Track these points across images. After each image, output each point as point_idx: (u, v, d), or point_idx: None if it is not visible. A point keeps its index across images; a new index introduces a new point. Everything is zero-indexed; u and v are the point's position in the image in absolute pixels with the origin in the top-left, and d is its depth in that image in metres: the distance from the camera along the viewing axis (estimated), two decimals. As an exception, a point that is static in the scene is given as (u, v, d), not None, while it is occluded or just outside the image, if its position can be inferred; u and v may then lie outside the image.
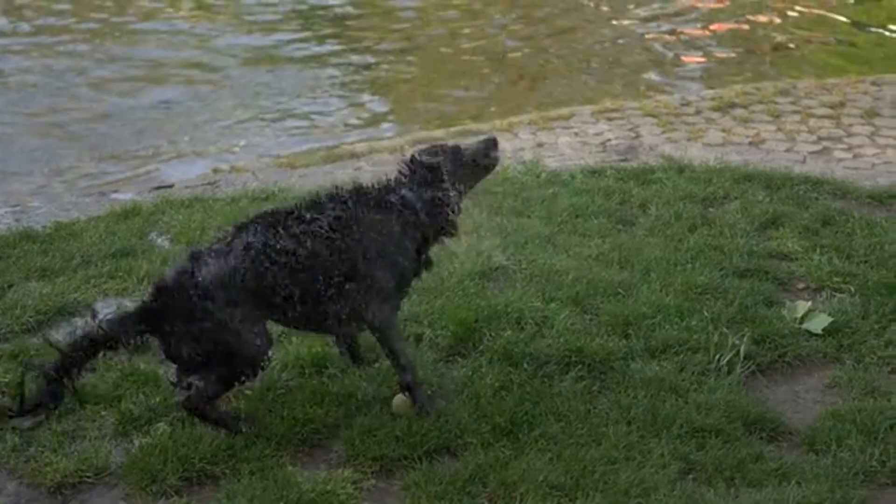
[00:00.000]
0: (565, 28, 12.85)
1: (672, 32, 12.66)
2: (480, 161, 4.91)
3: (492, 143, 4.95)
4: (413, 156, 4.83)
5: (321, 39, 12.36)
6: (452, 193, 4.74)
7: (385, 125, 10.15)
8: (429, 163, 4.76)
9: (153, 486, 4.33)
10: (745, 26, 12.84)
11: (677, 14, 13.36)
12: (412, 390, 4.74)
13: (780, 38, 12.46)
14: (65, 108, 10.15)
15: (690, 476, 4.46)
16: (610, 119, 9.16)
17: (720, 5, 13.66)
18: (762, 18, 13.08)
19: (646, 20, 13.17)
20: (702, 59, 11.90)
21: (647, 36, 12.56)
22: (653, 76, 11.30)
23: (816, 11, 13.41)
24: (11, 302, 5.66)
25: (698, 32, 12.68)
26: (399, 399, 4.78)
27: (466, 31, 12.77)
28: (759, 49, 12.12)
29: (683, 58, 11.90)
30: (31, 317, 5.52)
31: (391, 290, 4.68)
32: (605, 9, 13.73)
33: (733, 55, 11.97)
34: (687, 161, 7.76)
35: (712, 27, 12.82)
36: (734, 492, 4.36)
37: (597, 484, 4.32)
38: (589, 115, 9.27)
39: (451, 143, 5.06)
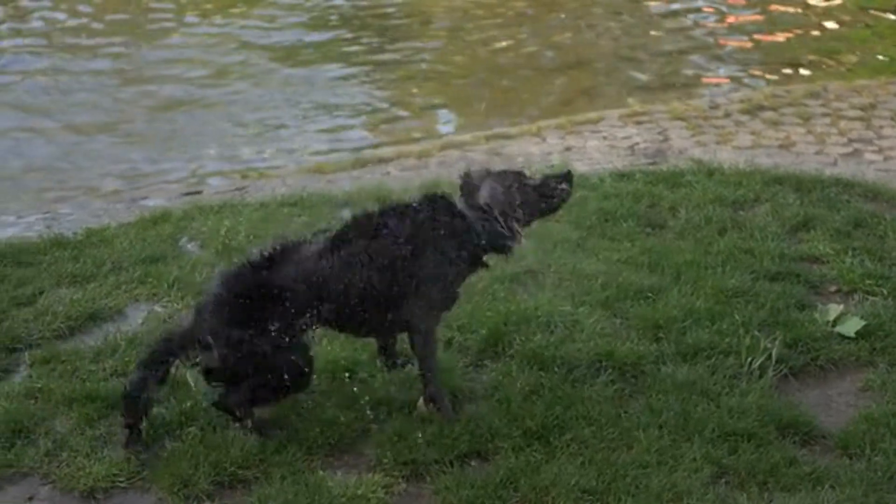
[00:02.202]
0: (624, 33, 12.59)
1: (750, 38, 12.41)
2: (546, 192, 4.88)
3: (564, 177, 4.93)
4: (471, 178, 4.84)
5: (370, 45, 12.10)
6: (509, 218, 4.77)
7: (422, 130, 10.00)
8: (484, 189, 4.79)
9: (185, 490, 4.36)
10: (817, 32, 12.62)
11: (752, 18, 13.07)
12: (437, 402, 4.76)
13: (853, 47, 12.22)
14: (94, 114, 10.17)
15: (723, 480, 4.44)
16: (638, 123, 9.11)
17: (795, 9, 13.41)
18: (833, 24, 12.84)
19: (715, 26, 12.90)
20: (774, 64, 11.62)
21: (720, 42, 12.30)
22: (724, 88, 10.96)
23: (874, 13, 13.19)
24: (43, 308, 5.70)
25: (770, 38, 12.44)
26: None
27: (518, 36, 12.50)
28: (841, 55, 11.85)
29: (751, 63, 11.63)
30: (62, 323, 5.56)
31: (441, 302, 4.77)
32: (664, 11, 13.39)
33: (807, 61, 11.69)
34: (716, 164, 7.71)
35: (788, 32, 12.57)
36: (767, 496, 4.34)
37: (628, 488, 4.31)
38: (617, 119, 9.23)
39: (516, 170, 4.99)
